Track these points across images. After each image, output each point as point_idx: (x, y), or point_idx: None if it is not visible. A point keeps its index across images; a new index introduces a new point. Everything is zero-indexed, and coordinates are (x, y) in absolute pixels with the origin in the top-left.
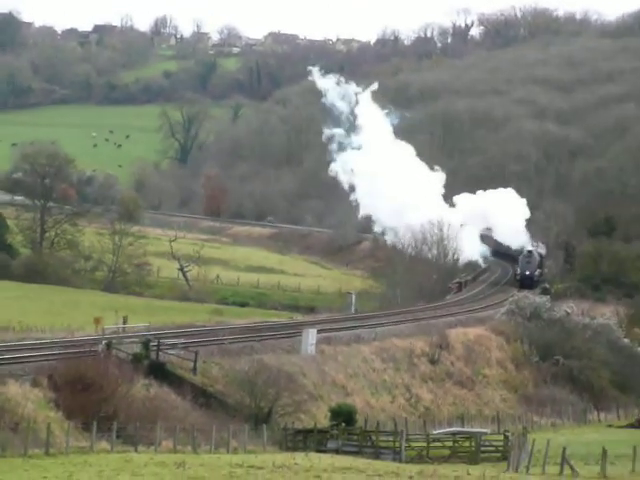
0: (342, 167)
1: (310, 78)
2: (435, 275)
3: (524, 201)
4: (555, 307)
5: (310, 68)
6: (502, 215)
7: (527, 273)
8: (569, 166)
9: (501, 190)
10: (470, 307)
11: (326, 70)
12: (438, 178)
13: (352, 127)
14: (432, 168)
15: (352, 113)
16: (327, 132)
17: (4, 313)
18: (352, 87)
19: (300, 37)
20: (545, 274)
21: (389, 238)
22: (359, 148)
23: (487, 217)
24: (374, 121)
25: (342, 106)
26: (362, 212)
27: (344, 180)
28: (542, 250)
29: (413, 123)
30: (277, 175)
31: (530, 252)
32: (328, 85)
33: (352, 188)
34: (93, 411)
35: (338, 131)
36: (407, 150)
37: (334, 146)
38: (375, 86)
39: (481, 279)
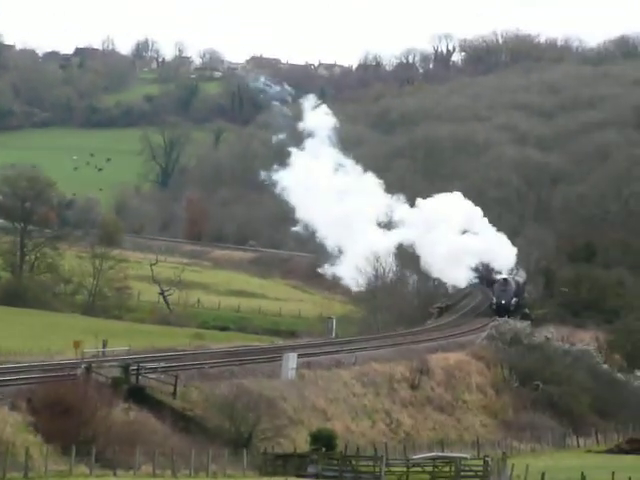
0: None
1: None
2: (416, 300)
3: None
4: (535, 333)
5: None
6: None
7: (503, 302)
8: (550, 192)
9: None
10: (451, 332)
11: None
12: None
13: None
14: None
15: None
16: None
17: None
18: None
19: (282, 61)
20: (525, 299)
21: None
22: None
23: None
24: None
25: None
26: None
27: None
28: (520, 277)
29: (394, 148)
30: (259, 199)
31: (505, 280)
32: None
33: None
34: (72, 435)
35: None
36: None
37: None
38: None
39: (461, 304)
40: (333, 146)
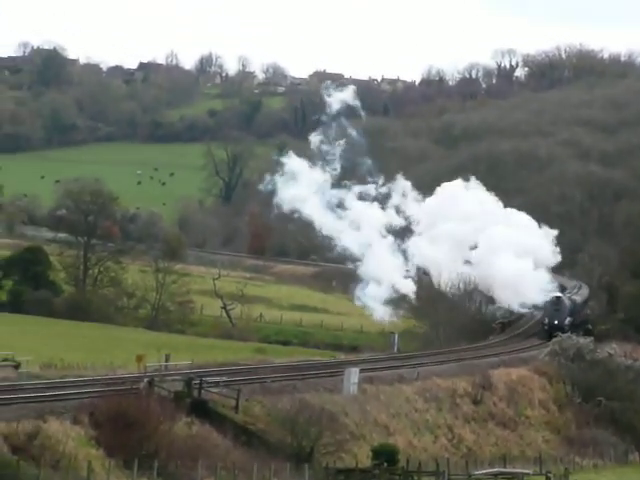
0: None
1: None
2: (478, 315)
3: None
4: (598, 348)
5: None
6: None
7: (555, 322)
8: (613, 207)
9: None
10: (513, 347)
11: (372, 111)
12: None
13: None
14: None
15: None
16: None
17: (46, 350)
18: None
19: (345, 76)
20: (588, 315)
21: (433, 278)
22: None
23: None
24: None
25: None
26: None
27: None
28: (579, 296)
29: (456, 163)
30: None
31: (558, 298)
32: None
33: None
34: (134, 449)
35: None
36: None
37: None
38: None
39: (524, 320)
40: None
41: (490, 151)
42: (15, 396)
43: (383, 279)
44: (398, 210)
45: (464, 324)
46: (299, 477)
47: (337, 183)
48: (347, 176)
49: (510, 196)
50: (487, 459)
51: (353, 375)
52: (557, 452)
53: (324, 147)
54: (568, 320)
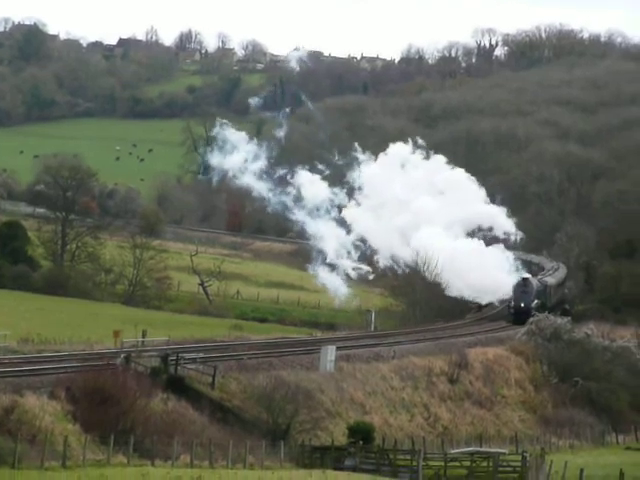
0: None
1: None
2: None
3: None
4: (575, 329)
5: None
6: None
7: (522, 305)
8: (591, 188)
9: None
10: (490, 327)
11: (351, 89)
12: None
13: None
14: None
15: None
16: None
17: (23, 325)
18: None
19: (325, 54)
20: (566, 295)
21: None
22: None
23: None
24: None
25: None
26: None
27: None
28: (553, 277)
29: (435, 142)
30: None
31: (525, 280)
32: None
33: None
34: (111, 424)
35: None
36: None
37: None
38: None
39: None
40: None
41: (469, 130)
42: None
43: (332, 255)
44: (346, 182)
45: (441, 303)
46: (275, 454)
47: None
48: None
49: (489, 175)
50: (463, 438)
51: (330, 353)
52: (533, 432)
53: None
54: (535, 303)
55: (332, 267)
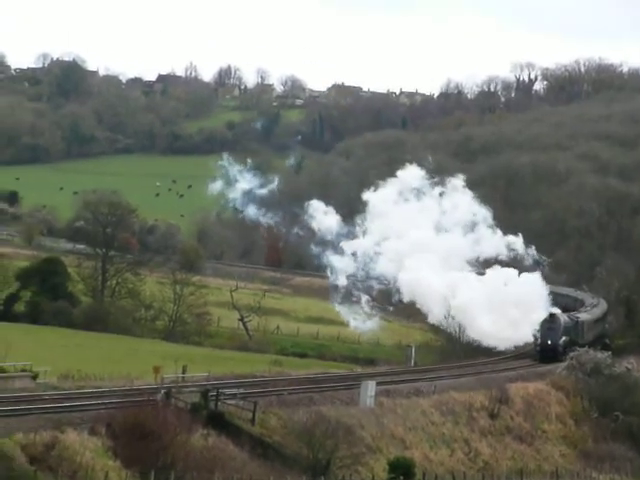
0: None
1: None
2: None
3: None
4: (616, 363)
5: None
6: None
7: (549, 343)
8: (631, 222)
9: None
10: (530, 362)
11: (390, 124)
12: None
13: None
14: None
15: None
16: None
17: (64, 361)
18: None
19: (364, 89)
20: (606, 330)
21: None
22: None
23: None
24: None
25: None
26: None
27: None
28: (585, 314)
29: (475, 177)
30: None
31: (553, 316)
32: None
33: None
34: (151, 460)
35: None
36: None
37: None
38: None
39: None
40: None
41: (508, 165)
42: (33, 407)
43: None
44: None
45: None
46: None
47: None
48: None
49: (529, 210)
50: (504, 473)
51: (370, 388)
52: (574, 467)
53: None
54: (563, 340)
55: (349, 301)
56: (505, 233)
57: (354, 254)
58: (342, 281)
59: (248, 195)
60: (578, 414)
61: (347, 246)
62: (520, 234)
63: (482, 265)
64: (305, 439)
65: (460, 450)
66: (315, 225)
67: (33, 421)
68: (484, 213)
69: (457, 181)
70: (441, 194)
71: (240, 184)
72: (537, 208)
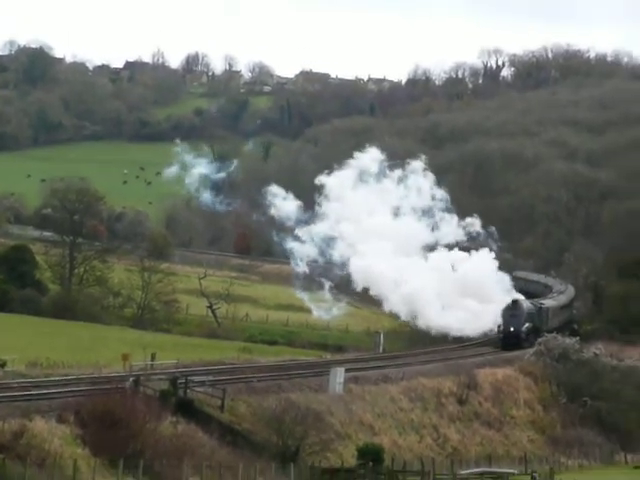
0: None
1: None
2: None
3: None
4: (584, 349)
5: None
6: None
7: (511, 329)
8: (599, 207)
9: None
10: (491, 349)
11: (358, 111)
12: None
13: None
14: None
15: None
16: None
17: (32, 349)
18: None
19: (332, 76)
20: (574, 316)
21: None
22: None
23: None
24: None
25: None
26: None
27: None
28: (549, 300)
29: (443, 163)
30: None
31: (515, 302)
32: None
33: None
34: (120, 448)
35: None
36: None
37: None
38: None
39: None
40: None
41: (477, 151)
42: (0, 395)
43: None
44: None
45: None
46: (284, 476)
47: None
48: None
49: (497, 196)
50: (472, 459)
51: (339, 375)
52: (542, 452)
53: None
54: (526, 326)
55: (312, 288)
56: (464, 217)
57: (313, 240)
58: (303, 267)
59: (204, 181)
60: (546, 400)
61: (303, 232)
62: (477, 215)
63: (438, 249)
64: (274, 426)
65: (429, 436)
66: (274, 211)
67: (1, 409)
68: (443, 195)
69: (417, 163)
70: (401, 178)
71: (196, 170)
72: (505, 194)
